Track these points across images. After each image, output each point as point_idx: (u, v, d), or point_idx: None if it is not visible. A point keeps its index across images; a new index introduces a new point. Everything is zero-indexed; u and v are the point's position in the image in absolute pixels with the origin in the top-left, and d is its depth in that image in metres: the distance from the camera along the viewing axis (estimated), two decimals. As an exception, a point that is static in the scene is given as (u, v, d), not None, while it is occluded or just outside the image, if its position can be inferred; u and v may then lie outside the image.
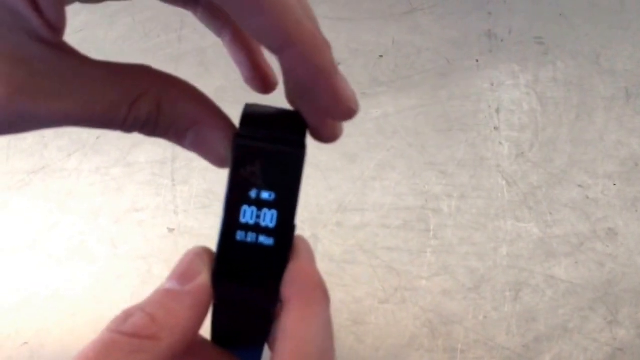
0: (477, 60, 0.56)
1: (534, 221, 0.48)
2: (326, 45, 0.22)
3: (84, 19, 0.58)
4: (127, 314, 0.20)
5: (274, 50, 0.21)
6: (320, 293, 0.24)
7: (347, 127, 0.51)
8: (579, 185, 0.50)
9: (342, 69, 0.55)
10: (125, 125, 0.22)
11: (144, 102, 0.22)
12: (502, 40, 0.57)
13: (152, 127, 0.22)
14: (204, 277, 0.22)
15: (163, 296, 0.21)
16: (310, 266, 0.24)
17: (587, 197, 0.49)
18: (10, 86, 0.19)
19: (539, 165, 0.50)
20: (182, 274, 0.22)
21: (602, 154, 0.51)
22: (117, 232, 0.47)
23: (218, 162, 0.25)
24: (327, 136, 0.26)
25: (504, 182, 0.50)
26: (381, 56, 0.56)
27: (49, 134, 0.51)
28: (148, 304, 0.20)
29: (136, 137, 0.52)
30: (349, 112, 0.23)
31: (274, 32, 0.20)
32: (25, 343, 0.43)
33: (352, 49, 0.56)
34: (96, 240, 0.47)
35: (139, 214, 0.48)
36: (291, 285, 0.23)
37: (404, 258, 0.46)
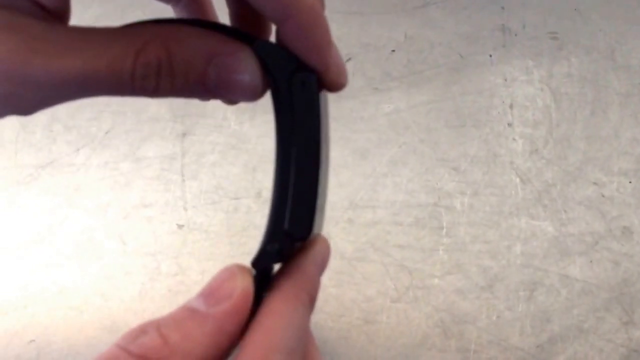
0: (491, 55, 0.55)
1: (549, 219, 0.47)
2: (324, 19, 0.22)
3: (94, 12, 0.57)
4: (141, 331, 0.19)
5: (274, 20, 0.21)
6: (306, 297, 0.22)
7: (359, 122, 0.51)
8: (594, 183, 0.49)
9: (353, 63, 0.55)
10: (135, 79, 0.20)
11: (151, 48, 0.20)
12: (515, 35, 0.56)
13: (168, 77, 0.21)
14: (232, 302, 0.20)
15: (185, 316, 0.19)
16: (313, 269, 0.23)
17: (602, 195, 0.48)
18: (5, 49, 0.19)
19: (553, 162, 0.50)
20: (211, 293, 0.20)
21: (617, 151, 0.50)
22: (125, 228, 0.47)
23: (251, 92, 0.23)
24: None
25: (517, 179, 0.49)
26: (393, 51, 0.55)
27: (57, 128, 0.51)
28: (166, 322, 0.19)
29: (145, 131, 0.51)
30: (338, 86, 0.24)
31: (275, 2, 0.20)
32: (32, 340, 0.42)
33: (363, 44, 0.55)
34: (104, 236, 0.47)
35: (147, 210, 0.47)
36: (286, 277, 0.22)
37: (416, 256, 0.46)
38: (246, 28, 0.27)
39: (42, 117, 0.51)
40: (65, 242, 0.46)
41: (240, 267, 0.21)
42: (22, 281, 0.45)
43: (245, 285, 0.21)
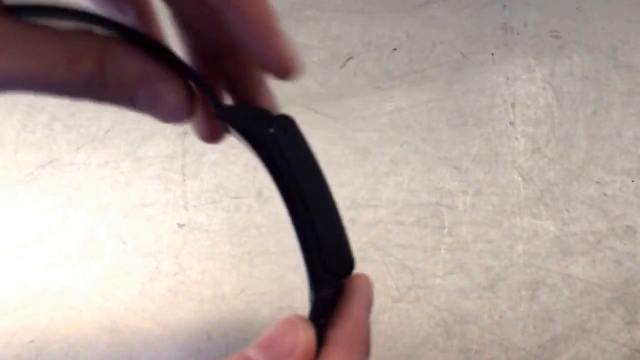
0: (493, 54, 0.54)
1: (551, 218, 0.47)
2: (267, 3, 0.22)
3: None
4: None
5: (218, 5, 0.21)
6: (362, 347, 0.22)
7: (360, 121, 0.51)
8: (596, 182, 0.49)
9: (355, 62, 0.55)
10: (69, 86, 0.20)
11: (85, 60, 0.20)
12: (517, 34, 0.55)
13: (99, 88, 0.21)
14: (295, 359, 0.20)
15: None
16: (363, 313, 0.23)
17: (605, 194, 0.48)
18: None
19: (555, 161, 0.49)
20: (271, 345, 0.20)
21: (620, 150, 0.50)
22: (126, 227, 0.47)
23: (178, 117, 0.23)
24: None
25: (519, 179, 0.49)
26: (395, 49, 0.55)
27: (57, 127, 0.51)
28: None
29: (146, 130, 0.51)
30: (288, 72, 0.24)
31: None
32: (32, 341, 0.42)
33: (365, 42, 0.55)
34: (105, 236, 0.46)
35: (148, 209, 0.47)
36: (339, 328, 0.21)
37: (418, 255, 0.45)
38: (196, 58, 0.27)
39: (42, 116, 0.51)
40: (65, 242, 0.46)
41: (302, 319, 0.21)
42: (22, 281, 0.44)
43: (308, 339, 0.20)
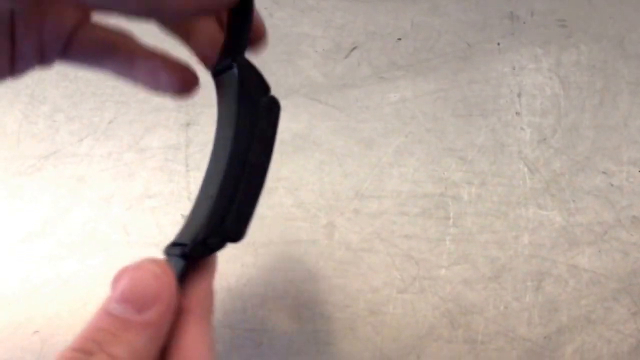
0: (499, 44, 0.54)
1: (557, 209, 0.46)
2: None
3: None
4: (85, 352, 0.18)
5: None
6: (212, 310, 0.23)
7: (364, 112, 0.50)
8: (603, 172, 0.48)
9: (359, 52, 0.54)
10: None
11: None
12: (524, 23, 0.55)
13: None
14: (164, 305, 0.20)
15: (119, 326, 0.19)
16: (211, 284, 0.23)
17: (611, 185, 0.48)
18: None
19: (561, 151, 0.49)
20: (136, 298, 0.19)
21: (627, 140, 0.50)
22: (129, 218, 0.46)
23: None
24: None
25: (525, 169, 0.48)
26: (399, 39, 0.54)
27: (60, 118, 0.50)
28: (105, 339, 0.18)
29: (149, 121, 0.51)
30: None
31: None
32: (36, 332, 0.42)
33: (369, 32, 0.54)
34: (108, 227, 0.46)
35: (151, 201, 0.47)
36: (196, 296, 0.22)
37: (423, 246, 0.45)
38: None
39: (44, 107, 0.50)
40: (68, 233, 0.46)
41: (160, 265, 0.21)
42: (26, 272, 0.44)
43: (170, 283, 0.20)
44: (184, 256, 0.23)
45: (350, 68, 0.53)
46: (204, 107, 0.50)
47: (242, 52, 0.26)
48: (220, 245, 0.24)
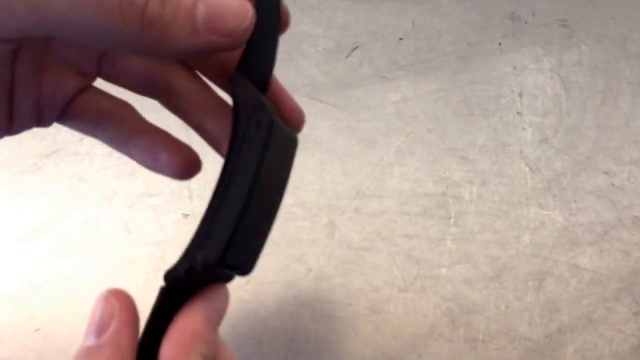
0: (500, 44, 0.54)
1: (558, 209, 0.46)
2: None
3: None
4: None
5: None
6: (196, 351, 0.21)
7: (365, 111, 0.50)
8: (605, 172, 0.48)
9: (360, 52, 0.54)
10: (123, 4, 0.19)
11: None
12: (525, 23, 0.55)
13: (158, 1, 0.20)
14: (117, 322, 0.21)
15: (83, 356, 0.20)
16: (199, 325, 0.21)
17: (613, 185, 0.48)
18: None
19: (563, 151, 0.49)
20: (96, 326, 0.21)
21: (628, 140, 0.50)
22: (130, 217, 0.47)
23: (243, 21, 0.22)
24: None
25: (526, 169, 0.48)
26: (401, 39, 0.54)
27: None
28: None
29: (151, 120, 0.51)
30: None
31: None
32: (38, 329, 0.42)
33: (370, 32, 0.54)
34: (109, 226, 0.46)
35: (153, 199, 0.47)
36: (169, 343, 0.21)
37: (424, 246, 0.45)
38: None
39: (46, 106, 0.51)
40: (70, 232, 0.46)
41: (113, 292, 0.22)
42: (27, 270, 0.45)
43: (123, 303, 0.21)
44: (174, 281, 0.22)
45: (352, 68, 0.53)
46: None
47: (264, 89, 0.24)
48: (222, 274, 0.23)
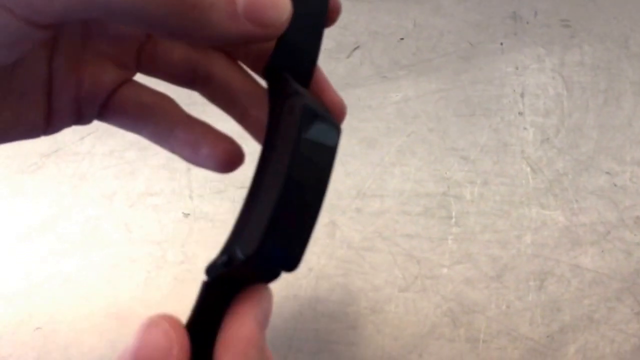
0: (502, 44, 0.54)
1: (560, 209, 0.46)
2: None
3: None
4: None
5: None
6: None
7: (366, 111, 0.50)
8: (606, 172, 0.48)
9: (361, 51, 0.54)
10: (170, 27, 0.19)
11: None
12: (527, 23, 0.55)
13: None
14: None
15: None
16: (252, 330, 0.21)
17: (615, 185, 0.47)
18: None
19: (564, 151, 0.49)
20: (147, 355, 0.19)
21: (630, 140, 0.49)
22: (131, 216, 0.46)
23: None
24: None
25: (528, 169, 0.48)
26: (402, 39, 0.54)
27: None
28: None
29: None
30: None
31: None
32: (39, 328, 0.42)
33: (372, 32, 0.54)
34: (110, 225, 0.46)
35: (153, 198, 0.47)
36: (225, 350, 0.20)
37: (425, 245, 0.45)
38: None
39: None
40: (70, 231, 0.46)
41: (171, 321, 0.20)
42: (28, 269, 0.45)
43: (180, 340, 0.20)
44: (216, 277, 0.21)
45: (353, 67, 0.53)
46: (206, 105, 0.50)
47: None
48: (268, 272, 0.22)
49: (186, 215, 0.47)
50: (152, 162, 0.49)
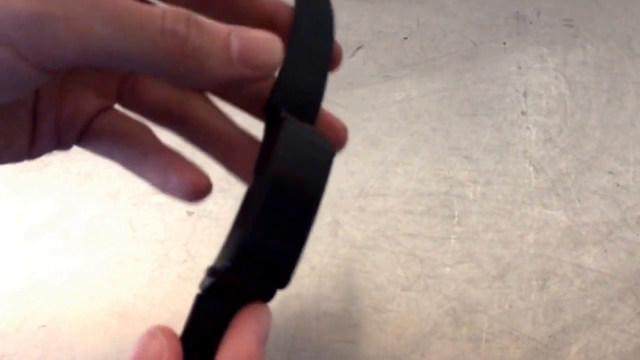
0: (504, 43, 0.54)
1: (562, 208, 0.46)
2: None
3: None
4: None
5: None
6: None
7: (370, 110, 0.50)
8: (609, 172, 0.48)
9: (365, 51, 0.54)
10: (165, 34, 0.19)
11: (179, 10, 0.20)
12: (530, 23, 0.55)
13: (197, 29, 0.20)
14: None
15: None
16: (253, 348, 0.21)
17: (617, 185, 0.48)
18: None
19: (567, 151, 0.49)
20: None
21: (633, 139, 0.50)
22: (135, 215, 0.47)
23: (275, 52, 0.22)
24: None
25: (531, 168, 0.48)
26: (405, 38, 0.54)
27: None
28: None
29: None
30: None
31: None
32: (43, 326, 0.43)
33: (375, 31, 0.54)
34: (114, 223, 0.46)
35: (157, 197, 0.47)
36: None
37: (427, 245, 0.45)
38: None
39: (52, 104, 0.51)
40: (75, 229, 0.46)
41: (162, 329, 0.21)
42: (32, 267, 0.45)
43: (171, 346, 0.21)
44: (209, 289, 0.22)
45: (356, 67, 0.53)
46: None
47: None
48: (260, 286, 0.22)
49: (190, 214, 0.47)
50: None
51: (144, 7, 0.19)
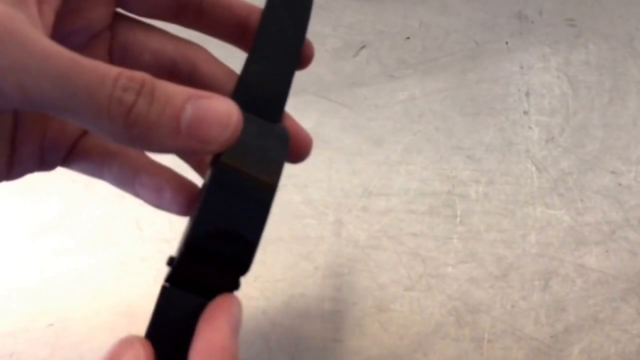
0: (507, 43, 0.54)
1: (564, 208, 0.47)
2: None
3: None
4: None
5: None
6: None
7: (373, 110, 0.51)
8: (612, 172, 0.48)
9: (368, 51, 0.55)
10: (116, 88, 0.19)
11: (137, 71, 0.20)
12: (532, 22, 0.55)
13: (147, 98, 0.19)
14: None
15: None
16: (227, 340, 0.21)
17: (620, 184, 0.48)
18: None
19: (569, 150, 0.49)
20: None
21: (636, 139, 0.50)
22: (141, 214, 0.47)
23: (227, 129, 0.22)
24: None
25: (533, 168, 0.48)
26: (408, 38, 0.54)
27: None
28: None
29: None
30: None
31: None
32: (51, 325, 0.43)
33: (378, 31, 0.55)
34: (121, 223, 0.47)
35: (162, 197, 0.48)
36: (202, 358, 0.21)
37: (430, 244, 0.45)
38: None
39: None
40: (82, 229, 0.47)
41: (138, 338, 0.21)
42: (40, 266, 0.45)
43: (147, 354, 0.21)
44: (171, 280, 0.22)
45: (360, 66, 0.53)
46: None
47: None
48: (221, 274, 0.22)
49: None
50: (162, 160, 0.49)
51: (100, 69, 0.19)
